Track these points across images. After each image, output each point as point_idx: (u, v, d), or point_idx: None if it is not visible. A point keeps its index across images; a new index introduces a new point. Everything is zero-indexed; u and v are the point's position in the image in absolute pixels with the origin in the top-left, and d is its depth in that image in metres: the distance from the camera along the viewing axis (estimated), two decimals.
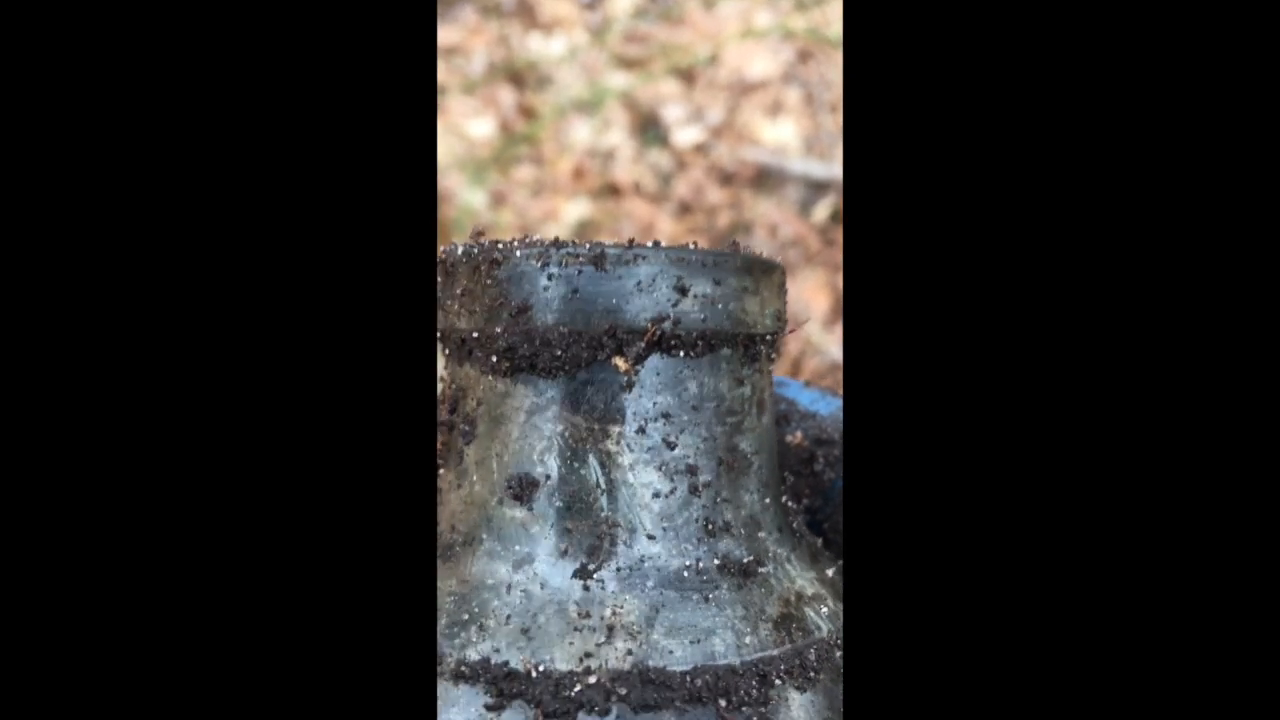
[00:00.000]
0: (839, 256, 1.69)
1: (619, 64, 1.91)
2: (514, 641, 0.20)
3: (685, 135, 1.85)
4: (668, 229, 1.72)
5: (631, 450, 0.21)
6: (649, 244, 0.24)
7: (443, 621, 0.22)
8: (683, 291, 0.21)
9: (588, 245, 0.23)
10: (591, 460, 0.21)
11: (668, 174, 1.81)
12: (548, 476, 0.21)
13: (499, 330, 0.21)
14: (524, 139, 1.72)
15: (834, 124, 1.89)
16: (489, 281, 0.22)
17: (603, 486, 0.21)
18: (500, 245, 0.23)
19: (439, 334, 0.25)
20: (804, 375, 1.53)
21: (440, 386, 0.26)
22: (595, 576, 0.20)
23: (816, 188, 1.80)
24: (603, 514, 0.21)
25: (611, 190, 1.76)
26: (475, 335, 0.21)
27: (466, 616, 0.21)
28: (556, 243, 0.23)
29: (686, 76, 1.92)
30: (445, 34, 1.95)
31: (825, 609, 0.22)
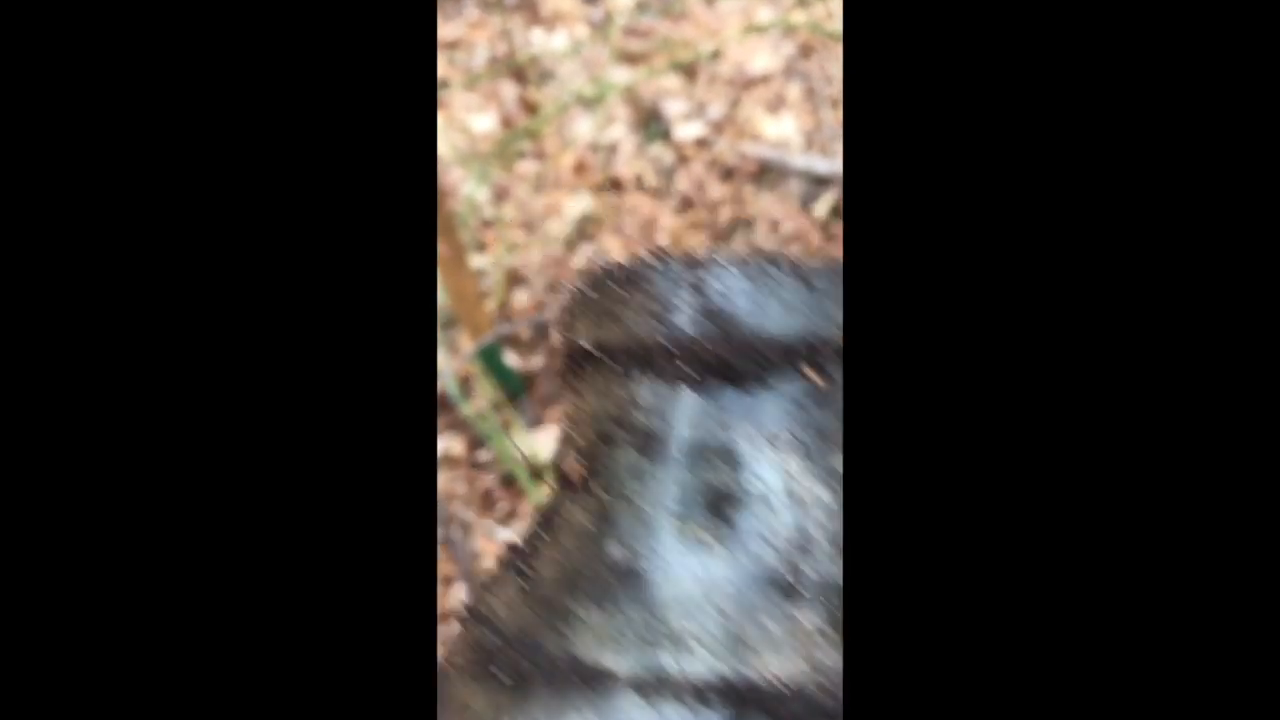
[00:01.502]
0: (839, 251, 1.69)
1: (621, 59, 1.91)
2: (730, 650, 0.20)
3: (687, 130, 1.85)
4: (669, 224, 1.72)
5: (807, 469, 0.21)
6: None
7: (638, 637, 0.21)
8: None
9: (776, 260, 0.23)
10: (782, 474, 0.21)
11: (669, 169, 1.81)
12: (745, 491, 0.21)
13: (706, 344, 0.21)
14: (526, 133, 1.71)
15: (836, 119, 1.88)
16: (683, 294, 0.22)
17: (790, 500, 0.21)
18: (667, 259, 0.23)
19: (594, 351, 0.24)
20: None
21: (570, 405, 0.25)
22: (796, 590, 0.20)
23: (818, 183, 1.80)
24: (791, 530, 0.21)
25: (613, 185, 1.76)
26: (671, 348, 0.22)
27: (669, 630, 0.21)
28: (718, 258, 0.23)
29: (688, 71, 1.92)
30: (447, 29, 1.95)
31: None
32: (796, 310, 0.22)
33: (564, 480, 0.24)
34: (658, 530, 0.21)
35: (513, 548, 0.26)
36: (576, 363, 0.25)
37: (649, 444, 0.21)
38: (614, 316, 0.23)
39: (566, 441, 0.25)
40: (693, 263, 0.22)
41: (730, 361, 0.21)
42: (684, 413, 0.21)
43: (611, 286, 0.23)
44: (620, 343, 0.23)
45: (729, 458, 0.21)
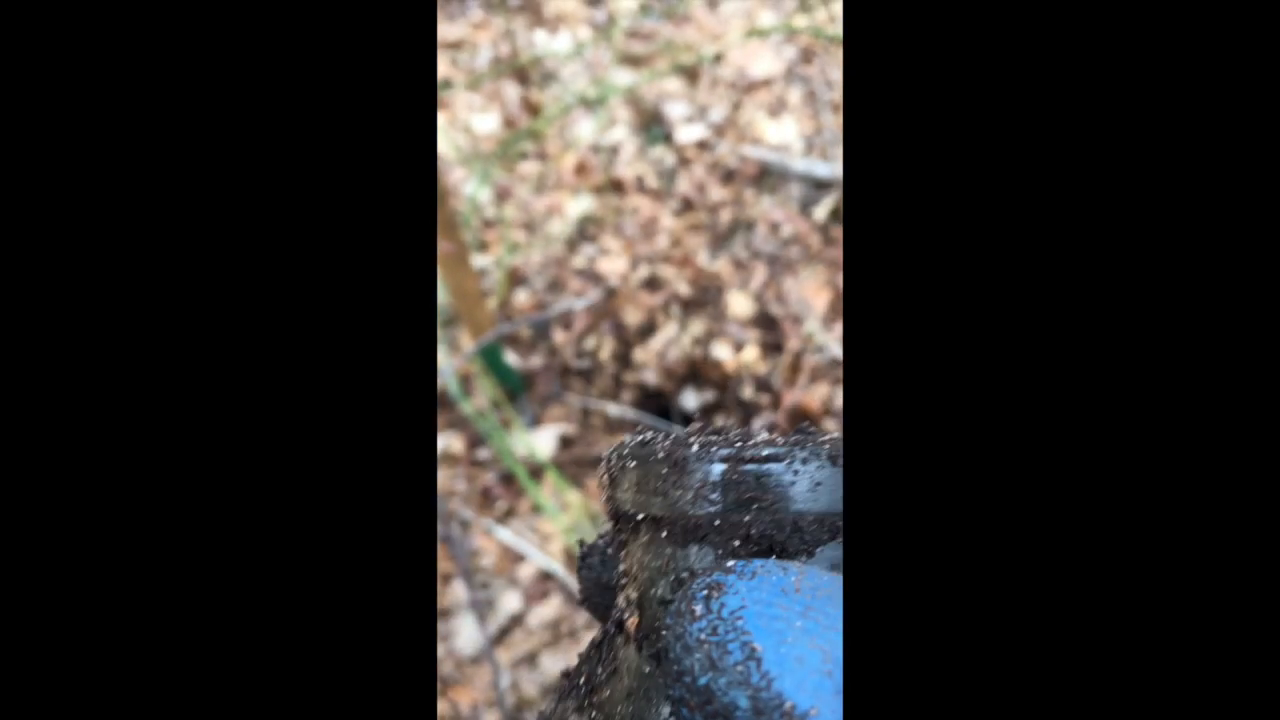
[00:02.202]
0: (839, 254, 1.69)
1: (623, 61, 1.91)
2: None
3: (688, 132, 1.85)
4: (670, 225, 1.73)
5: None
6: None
7: None
8: None
9: (814, 441, 0.25)
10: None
11: (670, 170, 1.81)
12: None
13: (746, 519, 0.24)
14: (529, 134, 1.72)
15: (836, 123, 1.89)
16: (734, 476, 0.24)
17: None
18: (720, 439, 0.25)
19: (643, 518, 0.26)
20: (804, 373, 1.55)
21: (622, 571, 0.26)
22: None
23: (818, 186, 1.81)
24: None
25: (614, 186, 1.76)
26: (717, 523, 0.24)
27: None
28: (779, 436, 0.25)
29: (690, 74, 1.93)
30: (451, 29, 1.95)
31: None
32: (825, 487, 0.24)
33: (620, 626, 0.26)
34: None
35: (566, 677, 0.27)
36: (624, 522, 0.26)
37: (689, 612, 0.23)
38: (659, 491, 0.25)
39: (622, 593, 0.27)
40: (730, 443, 0.24)
41: (769, 534, 0.24)
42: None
43: (655, 464, 0.25)
44: (668, 515, 0.25)
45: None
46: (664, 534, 0.25)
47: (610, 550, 0.28)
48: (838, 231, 1.73)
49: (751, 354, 1.56)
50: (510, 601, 1.27)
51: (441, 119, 1.79)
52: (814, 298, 1.63)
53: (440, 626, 1.24)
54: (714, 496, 0.24)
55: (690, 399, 1.57)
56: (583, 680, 0.26)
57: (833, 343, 1.56)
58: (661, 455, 0.25)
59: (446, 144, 1.74)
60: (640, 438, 0.27)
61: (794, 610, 0.20)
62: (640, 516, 0.26)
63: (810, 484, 0.24)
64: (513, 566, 1.28)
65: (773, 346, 1.59)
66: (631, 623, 0.25)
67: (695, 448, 0.25)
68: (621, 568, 0.26)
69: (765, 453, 0.24)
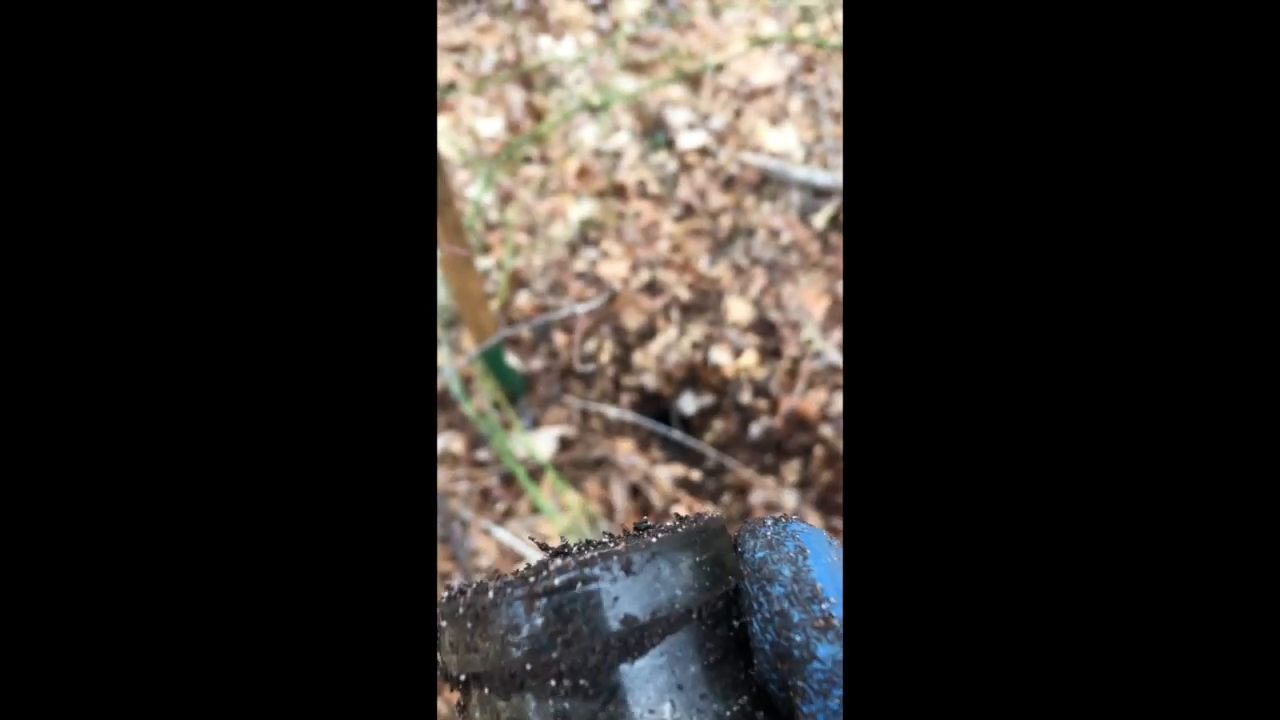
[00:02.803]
0: (838, 262, 1.71)
1: (627, 67, 1.93)
2: None
3: (690, 139, 1.87)
4: (671, 230, 1.74)
5: None
6: (599, 541, 0.26)
7: None
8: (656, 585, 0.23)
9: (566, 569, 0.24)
10: None
11: (672, 176, 1.83)
12: None
13: (554, 655, 0.23)
14: (532, 139, 1.73)
15: (836, 132, 1.91)
16: (533, 615, 0.24)
17: None
18: (516, 577, 0.25)
19: (466, 678, 0.25)
20: (801, 378, 1.56)
21: None
22: None
23: (818, 194, 1.82)
24: None
25: (616, 191, 1.78)
26: (529, 667, 0.24)
27: None
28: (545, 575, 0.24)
29: (693, 81, 1.94)
30: (456, 33, 1.97)
31: None
32: (625, 598, 0.24)
33: None
34: None
35: None
36: (456, 685, 0.26)
37: None
38: (471, 647, 0.24)
39: None
40: (523, 580, 0.24)
41: (583, 663, 0.23)
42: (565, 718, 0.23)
43: (462, 620, 0.25)
44: (485, 670, 0.24)
45: None
46: (486, 690, 0.24)
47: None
48: (837, 239, 1.75)
49: (750, 359, 1.58)
50: None
51: (446, 122, 1.80)
52: (812, 304, 1.65)
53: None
54: (517, 639, 0.23)
55: (689, 403, 1.58)
56: None
57: (830, 349, 1.57)
58: (463, 610, 0.24)
59: (451, 147, 1.75)
60: (449, 592, 0.26)
61: (830, 546, 0.25)
62: (463, 677, 0.25)
63: (609, 600, 0.23)
64: (511, 566, 1.29)
65: (771, 352, 1.60)
66: None
67: (491, 594, 0.24)
68: None
69: (557, 581, 0.23)
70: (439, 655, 0.27)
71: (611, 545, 0.25)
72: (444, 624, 0.25)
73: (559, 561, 0.24)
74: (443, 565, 1.30)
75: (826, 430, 1.48)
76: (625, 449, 1.44)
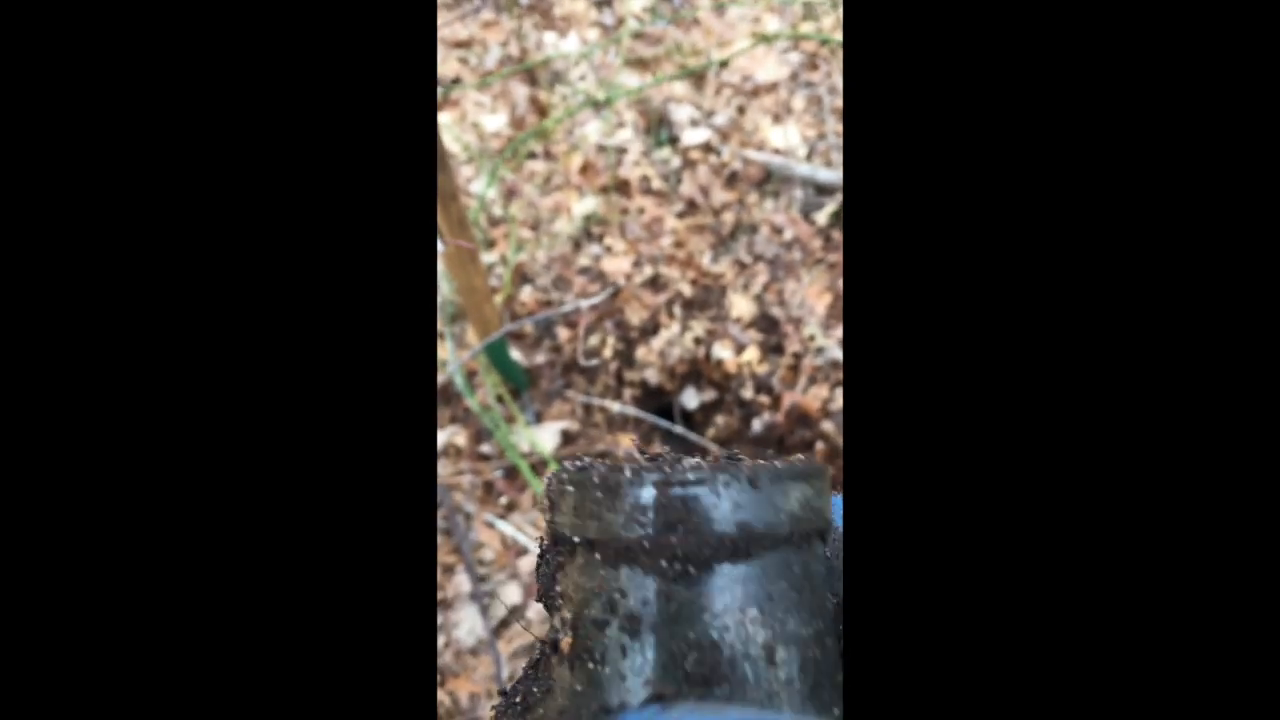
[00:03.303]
0: (840, 258, 1.71)
1: (630, 64, 1.93)
2: None
3: (693, 135, 1.87)
4: (674, 226, 1.75)
5: (764, 629, 0.25)
6: (726, 458, 0.29)
7: None
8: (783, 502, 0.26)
9: (725, 462, 0.27)
10: (744, 637, 0.25)
11: (675, 172, 1.83)
12: (731, 660, 0.25)
13: (673, 540, 0.26)
14: (537, 134, 1.74)
15: (839, 129, 1.91)
16: (663, 500, 0.26)
17: (759, 658, 0.25)
18: (652, 466, 0.27)
19: (579, 541, 0.27)
20: (803, 374, 1.57)
21: (559, 591, 0.28)
22: None
23: (820, 191, 1.83)
24: (759, 688, 0.25)
25: (620, 187, 1.78)
26: (646, 545, 0.26)
27: None
28: (679, 461, 0.27)
29: (696, 78, 1.95)
30: (461, 28, 1.97)
31: None
32: (744, 507, 0.26)
33: (554, 646, 0.27)
34: (638, 697, 0.25)
35: (505, 695, 0.28)
36: (561, 545, 0.28)
37: (630, 624, 0.26)
38: (594, 515, 0.26)
39: (557, 614, 0.28)
40: (659, 469, 0.26)
41: (695, 552, 0.26)
42: (660, 598, 0.25)
43: (591, 489, 0.27)
44: (602, 538, 0.26)
45: (703, 634, 0.25)
46: (597, 556, 0.26)
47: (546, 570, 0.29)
48: (839, 236, 1.75)
49: (752, 355, 1.59)
50: (511, 594, 1.29)
51: (451, 118, 1.81)
52: (814, 301, 1.65)
53: (441, 617, 1.26)
54: (644, 519, 0.26)
55: (691, 398, 1.59)
56: (519, 699, 0.28)
57: (832, 345, 1.58)
58: (596, 480, 0.26)
59: (456, 143, 1.75)
60: (579, 463, 0.28)
61: None
62: (576, 539, 0.27)
63: (732, 505, 0.26)
64: (514, 559, 1.30)
65: (773, 348, 1.61)
66: (565, 643, 0.26)
67: (628, 474, 0.26)
68: (558, 588, 0.28)
69: (691, 477, 0.26)
70: (543, 515, 0.29)
71: (711, 465, 0.28)
72: (569, 489, 0.27)
73: (692, 460, 0.27)
74: (446, 558, 1.31)
75: (828, 426, 1.49)
76: (627, 443, 1.45)
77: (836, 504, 0.29)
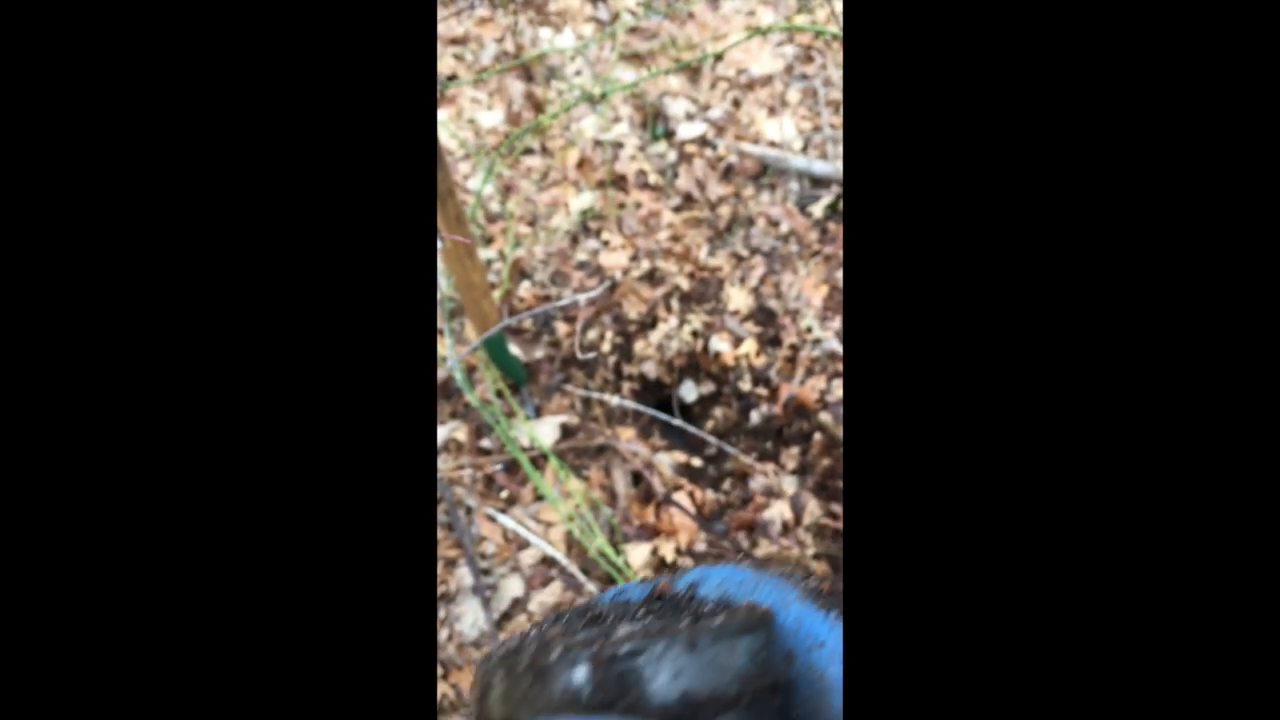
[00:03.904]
0: (836, 251, 1.72)
1: (626, 58, 1.94)
2: None
3: (689, 129, 1.88)
4: (670, 220, 1.76)
5: None
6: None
7: None
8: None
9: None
10: None
11: (671, 167, 1.84)
12: None
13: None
14: (534, 129, 1.74)
15: (835, 121, 1.92)
16: (597, 679, 0.25)
17: None
18: (581, 641, 0.25)
19: None
20: (801, 366, 1.58)
21: None
22: None
23: (816, 183, 1.83)
24: None
25: (616, 181, 1.79)
26: None
27: None
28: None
29: (692, 72, 1.95)
30: (456, 25, 1.97)
31: None
32: (685, 673, 0.24)
33: None
34: None
35: None
36: None
37: None
38: (526, 701, 0.24)
39: None
40: (591, 643, 0.24)
41: None
42: None
43: (520, 675, 0.25)
44: None
45: None
46: None
47: None
48: (835, 228, 1.76)
49: (750, 347, 1.60)
50: (513, 587, 1.30)
51: (447, 114, 1.81)
52: (811, 293, 1.66)
53: (444, 611, 1.27)
54: (579, 702, 0.24)
55: (689, 391, 1.60)
56: None
57: (829, 337, 1.59)
58: (526, 664, 0.25)
59: (452, 139, 1.76)
60: (507, 646, 0.27)
61: None
62: None
63: (672, 673, 0.24)
64: (515, 553, 1.31)
65: (770, 340, 1.62)
66: None
67: (558, 654, 0.24)
68: None
69: (625, 649, 0.24)
70: (472, 700, 0.27)
71: (652, 615, 0.26)
72: (497, 676, 0.26)
73: (624, 628, 0.25)
74: (449, 552, 1.32)
75: (825, 417, 1.50)
76: (627, 436, 1.46)
77: (811, 620, 0.27)
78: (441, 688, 1.22)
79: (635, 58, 1.95)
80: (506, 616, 1.27)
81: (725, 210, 1.79)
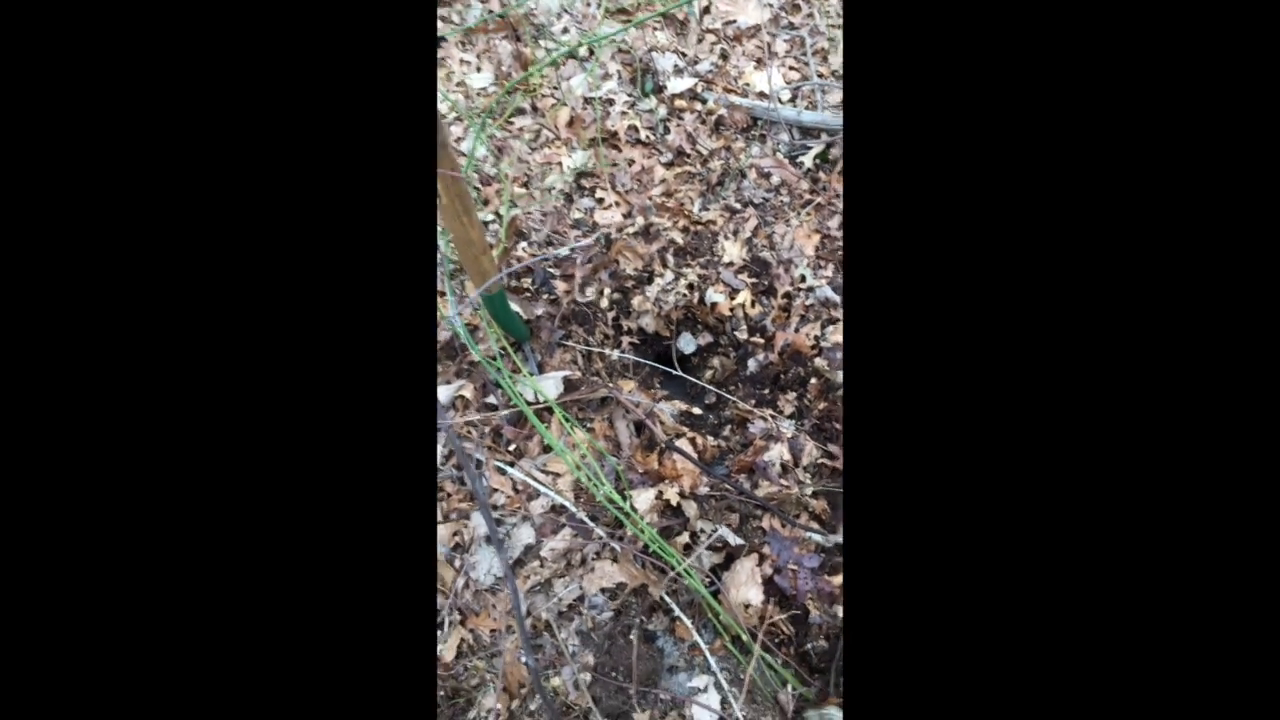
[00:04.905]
0: (827, 200, 1.74)
1: (612, 14, 1.93)
2: None
3: (678, 84, 1.88)
4: (663, 176, 1.77)
5: None
6: None
7: None
8: None
9: None
10: None
11: (662, 122, 1.85)
12: None
13: None
14: (519, 86, 1.75)
15: (823, 71, 1.92)
16: None
17: None
18: None
19: None
20: (795, 314, 1.61)
21: None
22: None
23: (805, 133, 1.84)
24: None
25: (608, 139, 1.80)
26: None
27: None
28: None
29: (680, 25, 1.95)
30: None
31: None
32: None
33: None
34: None
35: None
36: None
37: None
38: None
39: None
40: None
41: None
42: None
43: None
44: None
45: None
46: None
47: None
48: (825, 178, 1.78)
49: (745, 298, 1.63)
50: (524, 535, 1.34)
51: (437, 76, 1.82)
52: (804, 242, 1.69)
53: (460, 560, 1.32)
54: None
55: (687, 343, 1.63)
56: None
57: (822, 285, 1.62)
58: None
59: (443, 101, 1.77)
60: None
61: None
62: None
63: None
64: (525, 503, 1.36)
65: (765, 290, 1.65)
66: None
67: None
68: None
69: None
70: None
71: None
72: None
73: None
74: (461, 505, 1.36)
75: (820, 362, 1.54)
76: (628, 388, 1.50)
77: None
78: (460, 632, 1.27)
79: (622, 12, 1.95)
80: (519, 563, 1.32)
81: (717, 164, 1.80)
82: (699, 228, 1.72)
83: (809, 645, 1.19)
